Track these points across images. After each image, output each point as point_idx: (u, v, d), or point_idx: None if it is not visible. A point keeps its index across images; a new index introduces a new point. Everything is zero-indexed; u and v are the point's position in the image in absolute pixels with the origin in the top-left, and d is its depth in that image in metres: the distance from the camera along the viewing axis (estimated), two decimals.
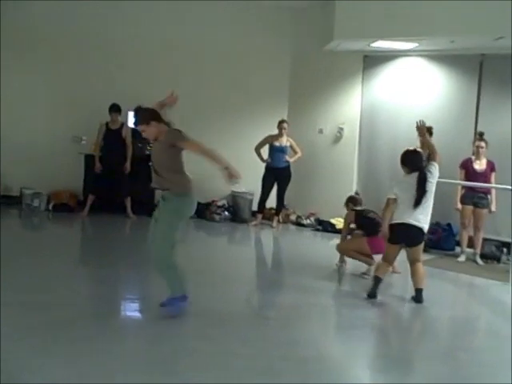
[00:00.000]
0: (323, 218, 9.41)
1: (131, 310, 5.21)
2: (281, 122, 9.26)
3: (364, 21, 8.12)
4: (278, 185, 9.39)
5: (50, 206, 9.47)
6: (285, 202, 10.03)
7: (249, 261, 7.68)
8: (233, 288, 5.85)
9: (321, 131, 9.74)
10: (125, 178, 9.28)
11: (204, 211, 9.72)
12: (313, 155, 9.75)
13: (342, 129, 9.50)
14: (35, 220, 9.33)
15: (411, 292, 5.75)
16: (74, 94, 9.85)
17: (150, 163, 4.89)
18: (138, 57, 9.95)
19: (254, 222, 9.47)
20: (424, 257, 7.71)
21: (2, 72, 9.53)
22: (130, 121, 9.72)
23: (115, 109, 9.14)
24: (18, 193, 9.68)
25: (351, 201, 7.02)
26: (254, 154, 9.36)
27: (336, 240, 8.81)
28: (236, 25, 10.00)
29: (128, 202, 9.38)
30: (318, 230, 9.37)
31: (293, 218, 9.83)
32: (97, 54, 9.83)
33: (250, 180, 9.53)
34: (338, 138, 9.57)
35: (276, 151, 9.26)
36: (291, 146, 9.36)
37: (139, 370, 3.67)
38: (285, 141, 9.27)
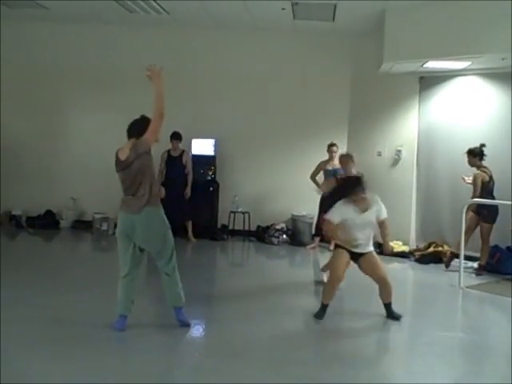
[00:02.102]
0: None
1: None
2: (330, 146, 9.32)
3: (413, 42, 8.08)
4: None
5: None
6: None
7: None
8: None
9: (379, 154, 9.68)
10: (186, 203, 9.62)
11: (263, 234, 9.90)
12: (372, 178, 9.64)
13: (400, 151, 9.41)
14: (103, 243, 9.87)
15: None
16: None
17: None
18: (200, 86, 10.37)
19: (311, 245, 9.51)
20: (478, 280, 7.57)
21: (78, 105, 10.25)
22: (194, 148, 10.17)
23: (176, 136, 9.54)
24: (91, 217, 10.29)
25: None
26: None
27: (396, 264, 8.77)
28: (297, 51, 10.21)
29: (189, 226, 9.69)
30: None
31: None
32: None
33: (311, 203, 9.65)
34: (396, 160, 9.48)
35: (329, 175, 9.25)
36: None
37: None
38: (337, 163, 9.28)
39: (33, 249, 9.13)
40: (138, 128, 4.98)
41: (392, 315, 5.69)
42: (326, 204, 9.23)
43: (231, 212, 10.06)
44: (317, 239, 9.55)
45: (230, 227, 10.14)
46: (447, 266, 8.19)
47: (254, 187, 10.33)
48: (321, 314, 5.59)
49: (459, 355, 4.99)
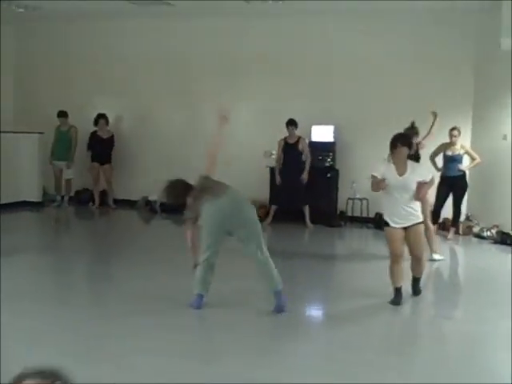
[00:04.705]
0: (506, 229, 8.75)
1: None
2: (451, 130, 8.87)
3: None
4: (454, 195, 9.01)
5: None
6: (469, 213, 9.60)
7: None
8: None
9: (505, 137, 9.07)
10: (302, 189, 9.77)
11: (381, 221, 9.72)
12: (496, 163, 9.15)
13: None
14: None
15: None
16: (265, 114, 10.73)
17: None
18: (321, 73, 10.43)
19: None
20: None
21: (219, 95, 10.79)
22: (314, 134, 10.28)
23: (291, 123, 9.71)
24: None
25: None
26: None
27: None
28: (415, 32, 9.90)
29: (306, 212, 9.83)
30: (496, 242, 8.75)
31: (475, 230, 9.29)
32: (282, 75, 10.58)
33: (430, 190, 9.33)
34: None
35: (448, 160, 8.91)
36: (467, 153, 8.95)
37: None
38: (458, 149, 8.88)
39: (165, 232, 9.89)
40: None
41: (415, 289, 5.72)
42: (441, 191, 8.96)
43: (349, 199, 10.04)
44: (434, 227, 9.17)
45: (349, 214, 10.13)
46: None
47: None
48: (397, 299, 5.49)
49: None
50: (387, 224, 5.55)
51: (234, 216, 5.11)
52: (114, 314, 5.14)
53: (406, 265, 5.69)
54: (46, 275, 6.72)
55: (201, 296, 5.24)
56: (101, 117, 11.18)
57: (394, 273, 5.54)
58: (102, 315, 5.12)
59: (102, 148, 11.21)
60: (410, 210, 5.45)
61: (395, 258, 5.51)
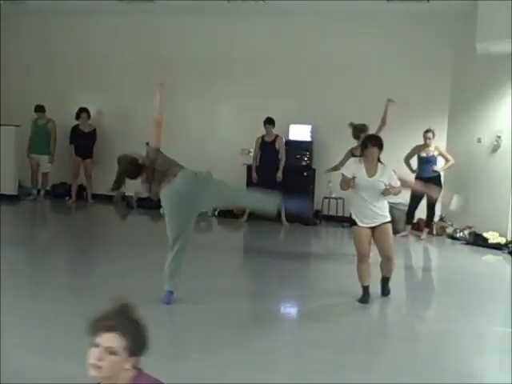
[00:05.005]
0: (479, 231, 8.87)
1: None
2: (425, 132, 9.00)
3: (508, 18, 7.59)
4: (428, 196, 9.09)
5: (216, 212, 10.43)
6: (443, 214, 9.71)
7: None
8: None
9: (479, 140, 9.20)
10: (278, 187, 9.79)
11: None
12: (471, 165, 9.28)
13: (499, 137, 8.86)
14: (202, 224, 10.37)
15: None
16: (244, 112, 10.76)
17: None
18: (300, 73, 10.49)
19: (403, 233, 9.29)
20: None
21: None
22: (291, 133, 10.33)
23: (269, 122, 9.76)
24: None
25: None
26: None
27: (490, 256, 8.36)
28: (392, 35, 10.02)
29: (282, 210, 9.85)
30: (468, 243, 8.87)
31: (449, 230, 9.41)
32: (262, 74, 10.62)
33: (406, 191, 9.42)
34: (495, 147, 8.94)
35: (423, 162, 9.05)
36: (441, 155, 9.07)
37: None
38: (432, 150, 9.00)
39: (141, 227, 9.90)
40: None
41: (384, 289, 5.71)
42: (416, 192, 9.06)
43: (325, 198, 10.11)
44: (408, 227, 9.34)
45: (325, 213, 10.20)
46: None
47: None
48: (365, 298, 5.55)
49: None
50: (355, 223, 5.60)
51: (195, 196, 5.07)
52: (80, 310, 5.11)
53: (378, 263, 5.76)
54: (16, 269, 6.67)
55: (171, 292, 5.26)
56: (82, 110, 11.11)
57: (360, 272, 5.59)
58: (69, 311, 5.08)
59: (83, 142, 11.15)
60: (377, 210, 5.50)
61: (361, 258, 5.57)
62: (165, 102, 5.52)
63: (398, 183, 5.58)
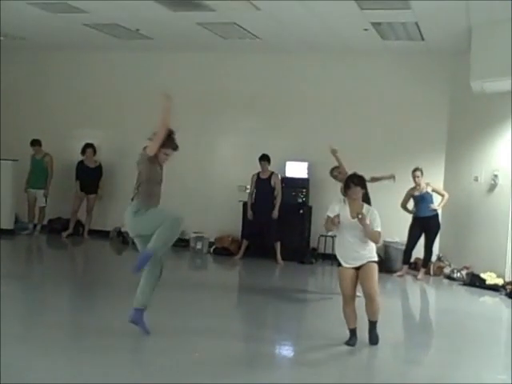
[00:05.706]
0: (477, 271, 8.70)
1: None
2: (413, 171, 9.00)
3: (501, 58, 7.55)
4: (426, 235, 9.01)
5: (211, 250, 10.30)
6: (440, 254, 9.56)
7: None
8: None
9: (476, 179, 9.10)
10: (274, 224, 9.70)
11: None
12: (468, 204, 9.17)
13: (496, 176, 8.76)
14: (198, 261, 10.27)
15: None
16: (241, 148, 10.75)
17: None
18: (297, 110, 10.49)
19: (399, 273, 9.14)
20: None
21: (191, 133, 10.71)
22: (288, 170, 10.27)
23: (264, 159, 9.72)
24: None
25: None
26: None
27: (487, 298, 8.17)
28: (389, 72, 10.04)
29: (278, 248, 9.74)
30: (465, 284, 8.69)
31: (447, 270, 9.23)
32: (259, 111, 10.64)
33: (403, 230, 9.30)
34: (492, 186, 8.83)
35: (418, 201, 9.00)
36: (434, 190, 9.02)
37: None
38: (423, 188, 8.95)
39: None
40: None
41: (371, 336, 5.41)
42: (413, 232, 8.97)
43: (321, 235, 9.99)
44: (405, 267, 9.20)
45: (322, 251, 10.07)
46: None
47: None
48: (351, 341, 5.39)
49: None
50: (340, 264, 5.49)
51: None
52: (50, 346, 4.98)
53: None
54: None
55: (141, 310, 5.29)
56: (88, 146, 11.10)
57: (345, 314, 5.44)
58: (42, 347, 4.93)
59: (89, 178, 11.11)
60: (362, 251, 5.37)
61: (345, 299, 5.42)
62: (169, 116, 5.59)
63: (379, 229, 5.42)
